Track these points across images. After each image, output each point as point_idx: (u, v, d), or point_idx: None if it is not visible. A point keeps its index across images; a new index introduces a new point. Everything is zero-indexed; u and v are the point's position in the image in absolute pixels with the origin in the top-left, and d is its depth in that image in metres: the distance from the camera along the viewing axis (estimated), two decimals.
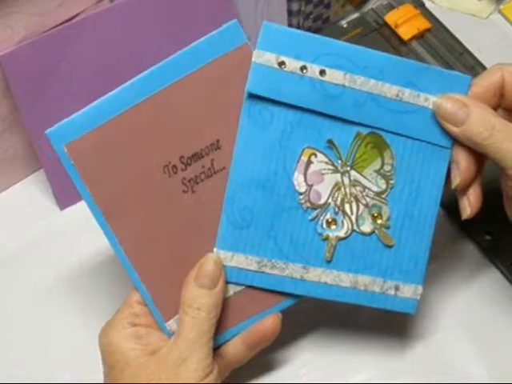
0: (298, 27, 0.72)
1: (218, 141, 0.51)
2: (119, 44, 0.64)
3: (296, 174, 0.51)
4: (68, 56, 0.62)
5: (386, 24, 0.74)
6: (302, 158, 0.51)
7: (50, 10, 0.60)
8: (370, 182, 0.52)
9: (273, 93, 0.50)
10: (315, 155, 0.52)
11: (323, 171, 0.52)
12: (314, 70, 0.50)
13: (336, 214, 0.52)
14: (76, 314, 0.61)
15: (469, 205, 0.52)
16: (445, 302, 0.61)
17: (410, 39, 0.73)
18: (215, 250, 0.51)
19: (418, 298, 0.53)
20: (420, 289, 0.53)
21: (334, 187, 0.52)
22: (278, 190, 0.51)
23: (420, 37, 0.74)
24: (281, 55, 0.50)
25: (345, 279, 0.52)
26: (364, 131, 0.52)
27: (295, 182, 0.51)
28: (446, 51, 0.73)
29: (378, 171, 0.52)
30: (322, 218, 0.52)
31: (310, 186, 0.52)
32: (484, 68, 0.70)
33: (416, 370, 0.58)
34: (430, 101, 0.51)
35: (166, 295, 0.51)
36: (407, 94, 0.51)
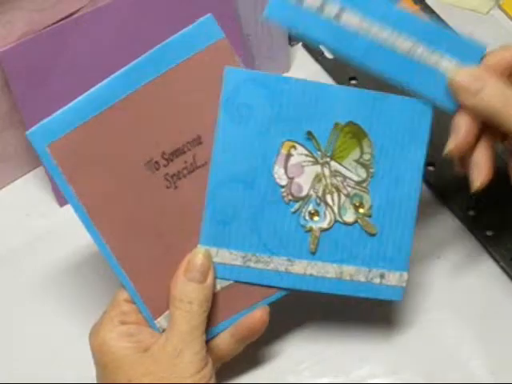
0: None
1: (199, 136, 0.51)
2: (118, 40, 0.64)
3: (276, 167, 0.52)
4: (67, 52, 0.62)
5: None
6: (282, 151, 0.52)
7: (49, 7, 0.60)
8: (350, 171, 0.52)
9: (290, 23, 0.50)
10: (295, 148, 0.52)
11: (303, 163, 0.52)
12: (331, 9, 0.50)
13: (318, 205, 0.52)
14: (76, 310, 0.61)
15: (477, 177, 0.52)
16: (443, 295, 0.60)
17: None
18: (199, 246, 0.51)
19: (404, 284, 0.53)
20: (405, 275, 0.53)
21: (314, 179, 0.52)
22: (259, 185, 0.51)
23: None
24: None
25: (330, 270, 0.52)
26: (342, 121, 0.52)
27: (276, 176, 0.51)
28: None
29: (357, 160, 0.52)
30: (304, 210, 0.52)
31: (290, 179, 0.52)
32: None
33: (417, 363, 0.58)
34: (441, 61, 0.51)
35: (154, 292, 0.51)
36: (420, 50, 0.51)
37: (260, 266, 0.52)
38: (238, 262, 0.52)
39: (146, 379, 0.49)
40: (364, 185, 0.52)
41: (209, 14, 0.51)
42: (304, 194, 0.52)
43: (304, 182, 0.52)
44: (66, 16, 0.62)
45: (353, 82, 0.71)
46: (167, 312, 0.51)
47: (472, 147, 0.52)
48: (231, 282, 0.52)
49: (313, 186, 0.52)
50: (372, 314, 0.59)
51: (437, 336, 0.59)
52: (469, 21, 0.76)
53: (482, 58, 0.52)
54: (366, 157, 0.52)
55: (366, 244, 0.53)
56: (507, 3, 0.78)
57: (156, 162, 0.51)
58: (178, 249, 0.51)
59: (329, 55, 0.74)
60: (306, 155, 0.52)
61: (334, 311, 0.59)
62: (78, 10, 0.62)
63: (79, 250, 0.64)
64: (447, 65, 0.51)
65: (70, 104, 0.49)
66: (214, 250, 0.51)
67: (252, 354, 0.56)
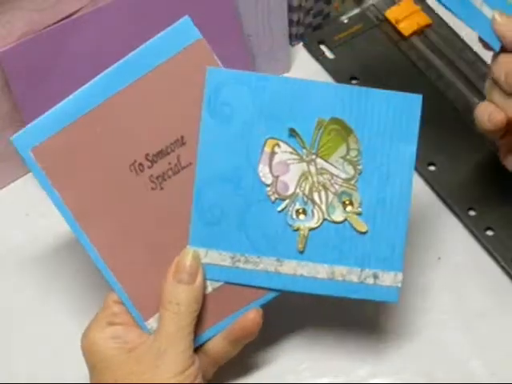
0: (298, 23, 0.72)
1: (182, 137, 0.51)
2: (118, 40, 0.63)
3: (261, 165, 0.51)
4: (67, 52, 0.62)
5: (386, 20, 0.74)
6: (266, 149, 0.51)
7: (49, 7, 0.60)
8: (337, 169, 0.52)
9: None
10: (278, 145, 0.51)
11: (288, 161, 0.51)
12: None
13: (305, 203, 0.52)
14: (76, 310, 0.61)
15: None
16: (443, 295, 0.60)
17: (411, 35, 0.73)
18: (188, 247, 0.51)
19: (399, 285, 0.52)
20: (400, 276, 0.52)
21: (300, 177, 0.52)
22: (244, 184, 0.51)
23: (420, 33, 0.74)
24: None
25: (321, 270, 0.51)
26: (326, 118, 0.51)
27: (261, 174, 0.51)
28: (446, 47, 0.73)
29: (344, 157, 0.52)
30: (291, 208, 0.52)
31: (276, 177, 0.51)
32: (485, 64, 0.70)
33: (417, 363, 0.58)
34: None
35: (144, 293, 0.51)
36: None
37: (249, 266, 0.51)
38: (227, 263, 0.51)
39: (130, 379, 0.49)
40: (352, 182, 0.52)
41: (186, 17, 0.52)
42: (290, 192, 0.52)
43: (290, 180, 0.51)
44: (66, 16, 0.62)
45: (354, 81, 0.71)
46: (158, 314, 0.51)
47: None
48: (222, 283, 0.52)
49: (299, 184, 0.52)
50: (372, 314, 0.59)
51: (437, 336, 0.59)
52: None
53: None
54: (353, 153, 0.52)
55: (357, 243, 0.52)
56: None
57: (140, 164, 0.51)
58: (166, 250, 0.51)
59: (329, 55, 0.74)
60: (291, 153, 0.51)
61: (333, 311, 0.59)
62: (78, 10, 0.62)
63: (79, 250, 0.64)
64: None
65: (53, 108, 0.50)
66: (203, 251, 0.51)
67: (252, 354, 0.56)
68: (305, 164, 0.52)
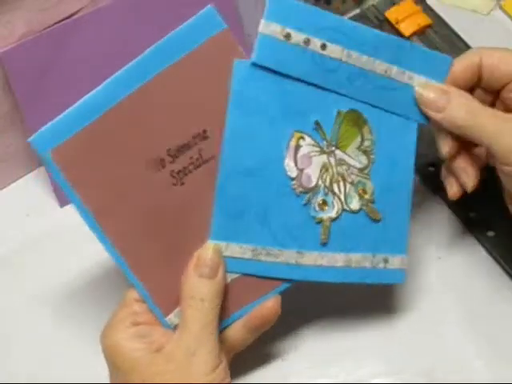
0: None
1: (204, 130, 0.51)
2: (119, 41, 0.64)
3: (287, 159, 0.51)
4: (68, 53, 0.62)
5: (386, 20, 0.74)
6: (291, 142, 0.51)
7: (50, 7, 0.60)
8: (353, 159, 0.53)
9: (277, 64, 0.50)
10: (303, 138, 0.52)
11: (311, 154, 0.52)
12: (315, 43, 0.51)
13: (326, 195, 0.52)
14: (76, 310, 0.61)
15: (467, 181, 0.55)
16: (444, 295, 0.60)
17: (411, 35, 0.73)
18: (209, 241, 0.51)
19: (406, 267, 0.54)
20: (406, 259, 0.54)
21: (322, 169, 0.52)
22: (269, 177, 0.51)
23: (421, 33, 0.73)
24: (286, 27, 0.50)
25: (339, 259, 0.52)
26: (343, 109, 0.52)
27: (286, 168, 0.51)
28: (446, 47, 0.73)
29: (359, 148, 0.53)
30: (313, 201, 0.52)
31: (300, 170, 0.52)
32: None
33: (417, 363, 0.58)
34: (413, 79, 0.53)
35: (164, 290, 0.51)
36: (394, 71, 0.52)
37: (270, 259, 0.51)
38: (248, 256, 0.51)
39: (160, 379, 0.49)
40: (366, 171, 0.53)
41: (209, 6, 0.50)
42: (313, 184, 0.52)
43: (312, 173, 0.52)
44: (67, 16, 0.62)
45: None
46: (178, 308, 0.51)
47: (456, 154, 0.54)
48: (240, 274, 0.52)
49: (321, 176, 0.52)
50: (372, 314, 0.59)
51: (437, 336, 0.59)
52: (469, 21, 0.76)
53: (449, 69, 0.54)
54: (367, 143, 0.53)
55: (371, 230, 0.53)
56: (508, 4, 0.78)
57: (162, 160, 0.50)
58: (186, 245, 0.51)
59: None
60: (313, 145, 0.52)
61: (333, 311, 0.59)
62: (78, 11, 0.62)
63: (79, 251, 0.64)
64: (418, 81, 0.53)
65: (72, 107, 0.48)
66: (223, 245, 0.51)
67: (250, 356, 0.56)
68: (325, 156, 0.52)
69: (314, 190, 0.52)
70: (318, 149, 0.52)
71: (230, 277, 0.52)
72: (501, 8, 0.79)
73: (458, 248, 0.63)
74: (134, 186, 0.50)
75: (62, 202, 0.67)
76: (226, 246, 0.51)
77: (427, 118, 0.54)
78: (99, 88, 0.49)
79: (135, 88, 0.49)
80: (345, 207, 0.52)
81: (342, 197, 0.52)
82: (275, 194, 0.51)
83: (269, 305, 0.52)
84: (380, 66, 0.52)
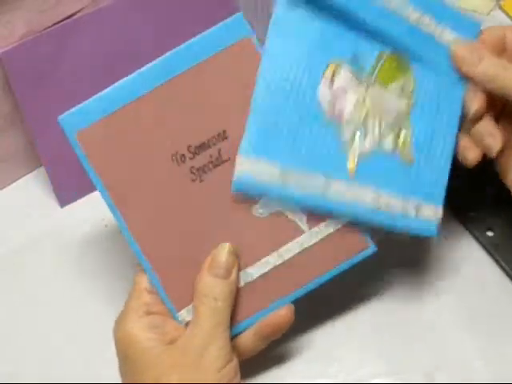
0: None
1: (224, 131, 0.52)
2: (119, 41, 0.64)
3: (321, 86, 0.51)
4: (68, 53, 0.62)
5: None
6: (328, 70, 0.51)
7: (50, 7, 0.60)
8: (392, 99, 0.52)
9: None
10: (340, 69, 0.51)
11: (347, 86, 0.51)
12: None
13: (359, 128, 0.52)
14: (76, 310, 0.61)
15: (494, 143, 0.54)
16: (444, 296, 0.60)
17: None
18: (238, 154, 0.50)
19: (439, 220, 0.53)
20: (440, 209, 0.53)
21: (356, 102, 0.52)
22: (302, 101, 0.51)
23: None
24: None
25: (368, 195, 0.51)
26: (387, 50, 0.52)
27: (320, 95, 0.51)
28: None
29: (399, 90, 0.53)
30: (345, 131, 0.51)
31: (334, 100, 0.51)
32: None
33: (417, 363, 0.57)
34: (444, 35, 0.53)
35: (178, 284, 0.51)
36: (427, 21, 0.53)
37: (296, 183, 0.50)
38: (275, 178, 0.50)
39: (174, 371, 0.49)
40: (404, 114, 0.53)
41: (239, 13, 0.52)
42: (346, 115, 0.51)
43: (347, 105, 0.51)
44: (67, 17, 0.62)
45: None
46: (190, 305, 0.51)
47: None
48: (255, 277, 0.52)
49: (355, 109, 0.52)
50: (372, 314, 0.59)
51: (437, 336, 0.59)
52: None
53: (478, 33, 0.54)
54: (408, 87, 0.53)
55: (404, 173, 0.52)
56: (508, 4, 0.78)
57: (182, 155, 0.51)
58: (202, 242, 0.51)
59: None
60: (351, 78, 0.51)
61: (333, 311, 0.59)
62: (78, 11, 0.62)
63: (80, 251, 0.64)
64: (449, 38, 0.54)
65: (101, 93, 0.50)
66: (253, 159, 0.50)
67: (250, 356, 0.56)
68: (363, 90, 0.52)
69: (346, 122, 0.51)
70: (355, 82, 0.52)
71: (244, 280, 0.52)
72: (501, 8, 0.79)
73: (457, 248, 0.63)
74: (154, 176, 0.51)
75: (62, 202, 0.67)
76: (256, 161, 0.50)
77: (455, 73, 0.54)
78: (128, 78, 0.51)
79: (161, 83, 0.51)
80: (377, 145, 0.52)
81: (376, 134, 0.52)
82: (307, 119, 0.51)
83: (282, 313, 0.52)
84: (413, 14, 0.52)
